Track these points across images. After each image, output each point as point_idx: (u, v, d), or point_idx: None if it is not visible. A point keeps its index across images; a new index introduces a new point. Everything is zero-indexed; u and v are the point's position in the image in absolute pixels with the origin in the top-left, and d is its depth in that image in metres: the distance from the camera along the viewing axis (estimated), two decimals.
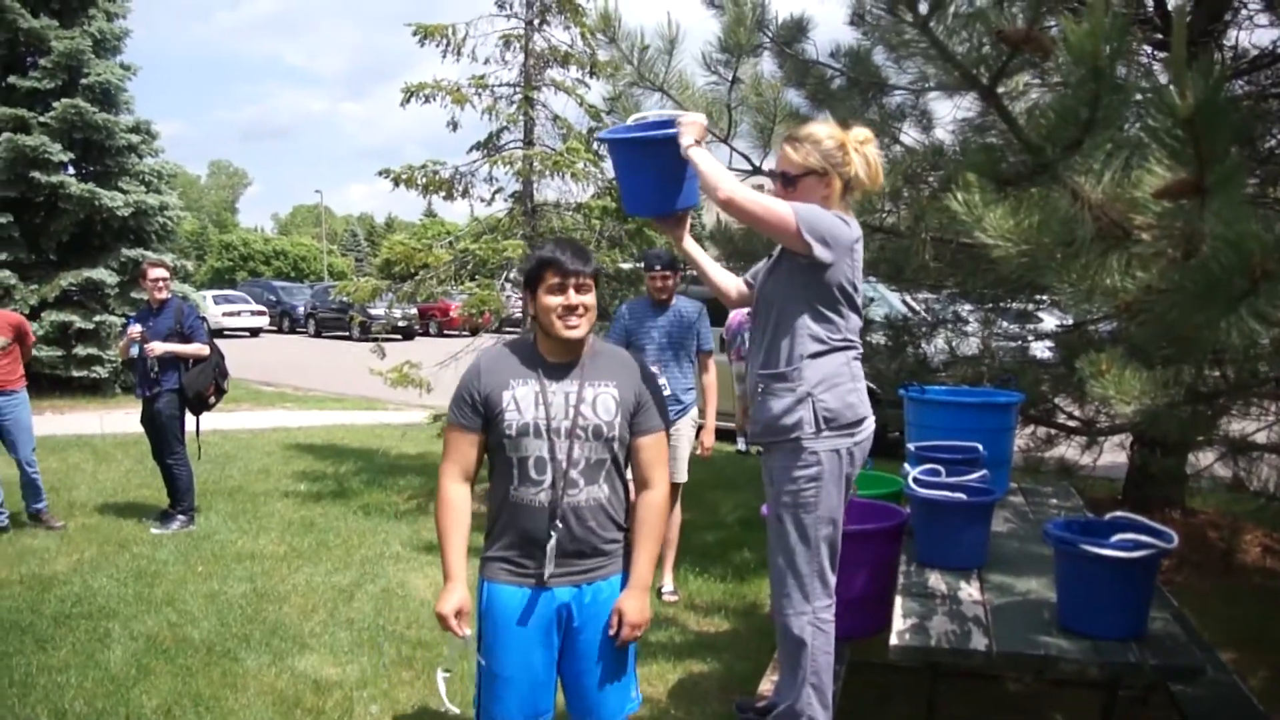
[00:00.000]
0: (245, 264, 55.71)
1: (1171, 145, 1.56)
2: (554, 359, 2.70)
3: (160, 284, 6.81)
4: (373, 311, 27.51)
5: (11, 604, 5.42)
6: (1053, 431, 7.04)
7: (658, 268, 5.72)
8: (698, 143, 3.03)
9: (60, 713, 4.13)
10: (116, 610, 5.31)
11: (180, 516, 7.07)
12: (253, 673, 4.53)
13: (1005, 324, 7.39)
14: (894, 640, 2.69)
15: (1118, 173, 1.91)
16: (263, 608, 5.41)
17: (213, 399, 7.06)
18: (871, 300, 7.81)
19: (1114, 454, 7.34)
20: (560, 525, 2.61)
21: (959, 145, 5.43)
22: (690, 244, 3.39)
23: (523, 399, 2.64)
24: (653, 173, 3.17)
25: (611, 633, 2.64)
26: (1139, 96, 1.91)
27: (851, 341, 3.12)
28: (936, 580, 3.21)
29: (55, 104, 13.55)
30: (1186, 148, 1.54)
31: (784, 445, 3.05)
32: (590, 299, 2.65)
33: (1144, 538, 2.64)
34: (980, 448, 4.11)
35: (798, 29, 6.27)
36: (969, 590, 3.10)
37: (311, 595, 5.64)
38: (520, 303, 8.86)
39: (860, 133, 3.07)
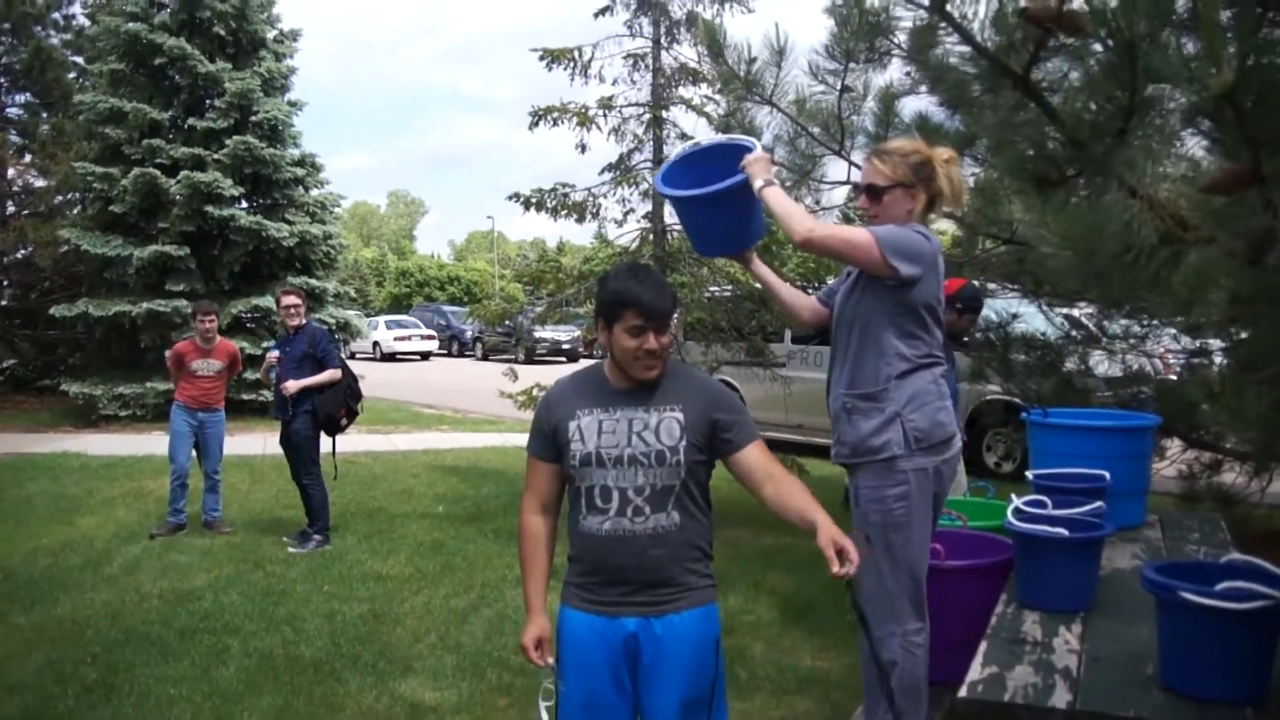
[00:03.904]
0: (421, 289, 57.73)
1: (1210, 129, 1.31)
2: (621, 386, 2.62)
3: (292, 310, 7.08)
4: (538, 334, 28.27)
5: (146, 616, 5.66)
6: (1219, 457, 6.43)
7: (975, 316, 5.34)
8: (768, 181, 2.99)
9: None
10: (240, 627, 5.47)
11: (316, 536, 7.27)
12: (353, 694, 4.57)
13: (1166, 337, 6.79)
14: (963, 692, 2.42)
15: (1176, 165, 1.64)
16: (377, 629, 5.48)
17: (344, 421, 7.26)
18: (1015, 316, 7.33)
19: None
20: (625, 553, 2.53)
21: None
22: (759, 265, 3.36)
23: (587, 428, 2.58)
24: (721, 220, 3.13)
25: (837, 570, 2.33)
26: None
27: (937, 358, 3.08)
28: (1032, 624, 2.90)
29: (227, 141, 14.37)
30: (1227, 130, 1.29)
31: (872, 465, 3.03)
32: (668, 337, 2.56)
33: (1259, 587, 2.29)
34: (1107, 476, 3.75)
35: (929, 33, 5.98)
36: (1066, 637, 2.78)
37: (427, 618, 5.67)
38: None
39: (944, 152, 3.02)
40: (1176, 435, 5.94)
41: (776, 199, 2.98)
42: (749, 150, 3.08)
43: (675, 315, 2.63)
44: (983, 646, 2.73)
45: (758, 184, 2.97)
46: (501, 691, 4.59)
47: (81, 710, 4.40)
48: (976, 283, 5.92)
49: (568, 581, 2.68)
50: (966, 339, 5.25)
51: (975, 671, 2.54)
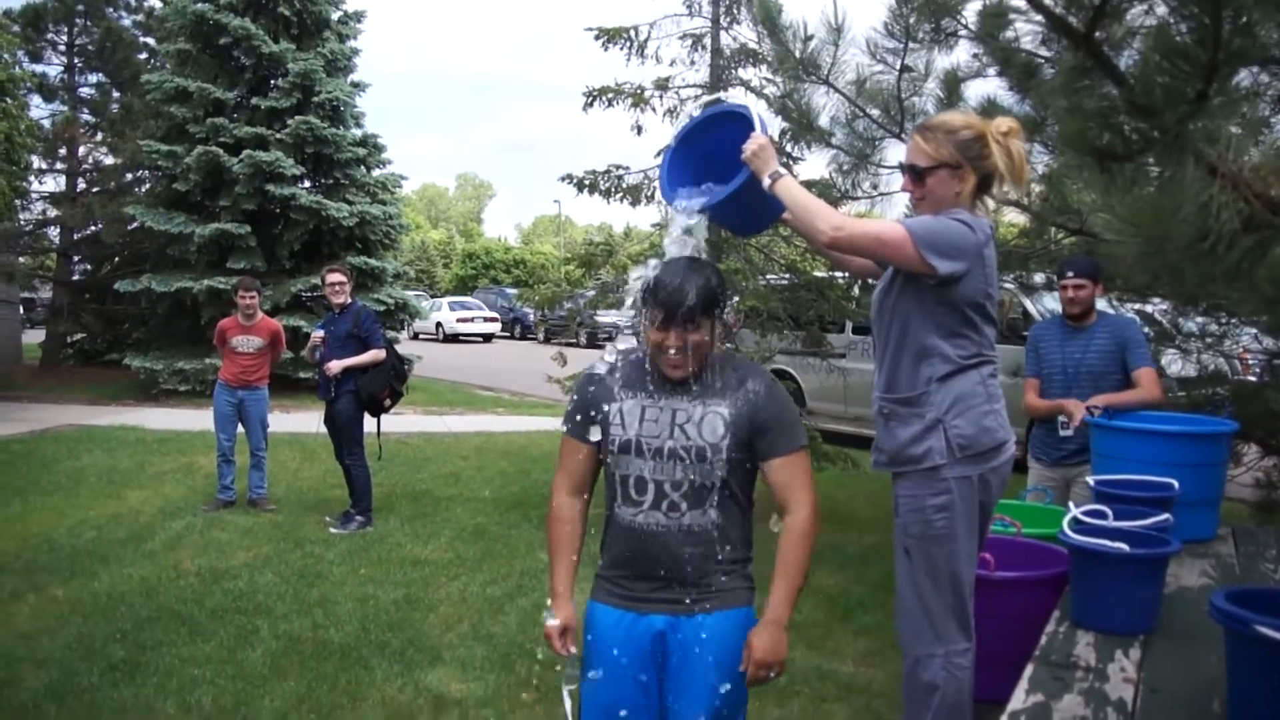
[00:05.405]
0: (487, 272, 57.86)
1: None
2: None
3: (337, 288, 7.00)
4: (600, 319, 28.17)
5: (180, 594, 5.63)
6: None
7: (1070, 274, 4.58)
8: (775, 174, 2.68)
9: (187, 706, 4.20)
10: (271, 608, 5.41)
11: (358, 517, 7.21)
12: (378, 683, 4.46)
13: (1246, 336, 6.40)
14: None
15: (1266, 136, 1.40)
16: (409, 615, 5.37)
17: (388, 401, 7.18)
18: None
19: None
20: (658, 548, 2.42)
21: None
22: None
23: (629, 413, 2.47)
24: (741, 210, 2.90)
25: (741, 669, 2.37)
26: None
27: (987, 357, 2.81)
28: (1085, 646, 2.66)
29: (290, 121, 14.42)
30: None
31: (913, 473, 2.80)
32: (700, 335, 2.37)
33: None
34: (1176, 485, 3.47)
35: (999, 14, 5.68)
36: (1123, 663, 2.53)
37: (461, 605, 5.56)
38: None
39: (1003, 123, 2.73)
40: (1254, 441, 5.59)
41: (791, 194, 2.68)
42: (745, 115, 2.76)
43: (726, 312, 2.46)
44: (1029, 669, 2.50)
45: (765, 181, 2.67)
46: (527, 685, 4.43)
47: (104, 688, 4.35)
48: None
49: (599, 574, 2.59)
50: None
51: (1019, 699, 2.31)
